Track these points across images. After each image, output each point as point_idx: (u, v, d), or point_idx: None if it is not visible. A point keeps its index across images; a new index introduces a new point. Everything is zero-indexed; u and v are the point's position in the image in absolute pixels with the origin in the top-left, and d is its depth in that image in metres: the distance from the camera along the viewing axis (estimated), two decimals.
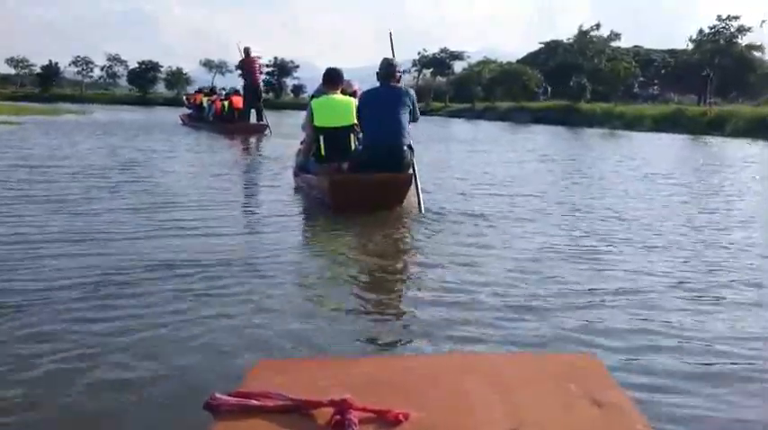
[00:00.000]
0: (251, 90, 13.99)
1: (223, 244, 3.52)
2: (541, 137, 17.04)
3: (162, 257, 3.11)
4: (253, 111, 14.28)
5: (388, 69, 4.97)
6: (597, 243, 3.75)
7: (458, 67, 45.46)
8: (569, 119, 26.24)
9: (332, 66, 5.50)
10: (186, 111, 19.08)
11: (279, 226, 4.17)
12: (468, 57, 45.51)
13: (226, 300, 2.48)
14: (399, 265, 3.35)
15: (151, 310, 2.36)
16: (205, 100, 16.62)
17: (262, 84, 15.66)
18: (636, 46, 46.40)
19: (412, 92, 5.05)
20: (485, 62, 42.65)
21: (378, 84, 5.03)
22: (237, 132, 13.46)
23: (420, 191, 4.61)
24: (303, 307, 2.50)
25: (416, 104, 5.01)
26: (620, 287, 2.81)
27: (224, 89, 15.95)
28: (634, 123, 22.63)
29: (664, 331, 2.28)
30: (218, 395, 0.91)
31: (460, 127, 23.18)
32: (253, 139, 12.65)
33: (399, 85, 5.02)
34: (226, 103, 14.71)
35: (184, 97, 24.01)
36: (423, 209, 4.46)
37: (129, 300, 2.48)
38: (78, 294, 2.51)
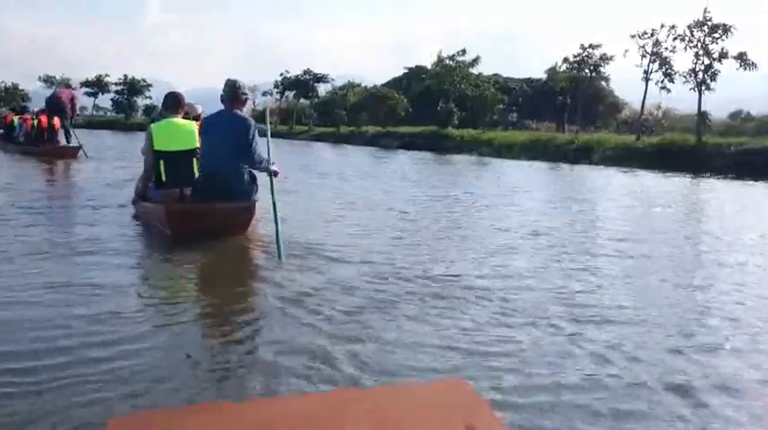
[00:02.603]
0: (56, 110, 13.78)
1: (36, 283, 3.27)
2: (416, 166, 17.01)
3: None
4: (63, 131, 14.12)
5: (232, 91, 4.90)
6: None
7: (322, 90, 45.07)
8: (438, 144, 26.65)
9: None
10: None
11: (112, 258, 3.92)
12: (333, 80, 45.43)
13: (42, 351, 2.32)
14: (240, 302, 3.18)
15: None
16: (16, 119, 16.30)
17: (78, 106, 15.81)
18: (495, 74, 48.88)
19: (252, 122, 4.93)
20: (350, 85, 42.57)
21: (222, 107, 4.97)
22: (49, 154, 12.96)
23: (280, 233, 4.18)
24: (134, 351, 2.35)
25: (257, 137, 4.90)
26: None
27: (34, 108, 15.73)
28: (502, 150, 23.15)
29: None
30: None
31: (326, 152, 22.90)
32: (65, 162, 12.11)
33: (242, 113, 4.97)
34: (35, 121, 14.28)
35: None
36: (283, 256, 4.00)
37: None
38: None
